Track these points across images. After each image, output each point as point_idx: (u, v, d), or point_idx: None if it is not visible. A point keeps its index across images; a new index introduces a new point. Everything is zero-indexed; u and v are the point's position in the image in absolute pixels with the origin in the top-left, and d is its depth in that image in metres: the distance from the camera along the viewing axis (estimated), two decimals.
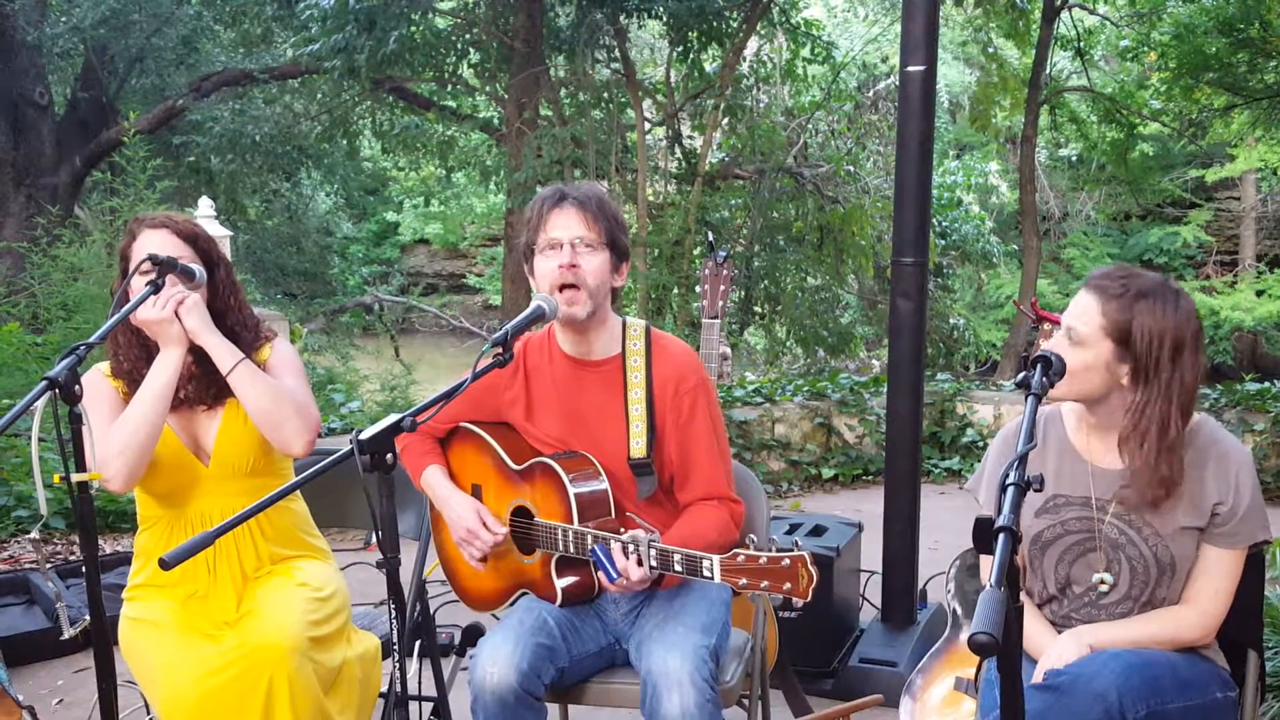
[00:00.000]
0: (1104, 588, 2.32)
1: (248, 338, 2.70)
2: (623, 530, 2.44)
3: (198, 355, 2.63)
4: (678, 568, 2.32)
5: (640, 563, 2.36)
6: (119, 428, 2.52)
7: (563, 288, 2.51)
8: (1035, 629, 2.37)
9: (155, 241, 2.60)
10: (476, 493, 2.73)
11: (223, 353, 2.59)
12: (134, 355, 2.64)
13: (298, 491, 2.82)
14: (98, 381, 2.65)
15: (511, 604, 2.71)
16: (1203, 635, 2.31)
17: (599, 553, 2.40)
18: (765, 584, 2.18)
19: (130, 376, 2.63)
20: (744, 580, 2.20)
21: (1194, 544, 2.29)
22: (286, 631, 2.46)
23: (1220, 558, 2.29)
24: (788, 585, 2.16)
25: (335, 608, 2.63)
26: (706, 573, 2.26)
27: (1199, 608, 2.29)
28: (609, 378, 2.62)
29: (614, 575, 2.39)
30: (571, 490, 2.51)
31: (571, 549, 2.50)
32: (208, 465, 2.64)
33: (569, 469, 2.54)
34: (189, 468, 2.63)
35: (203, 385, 2.65)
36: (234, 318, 2.70)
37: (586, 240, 2.52)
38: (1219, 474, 2.27)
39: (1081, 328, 2.24)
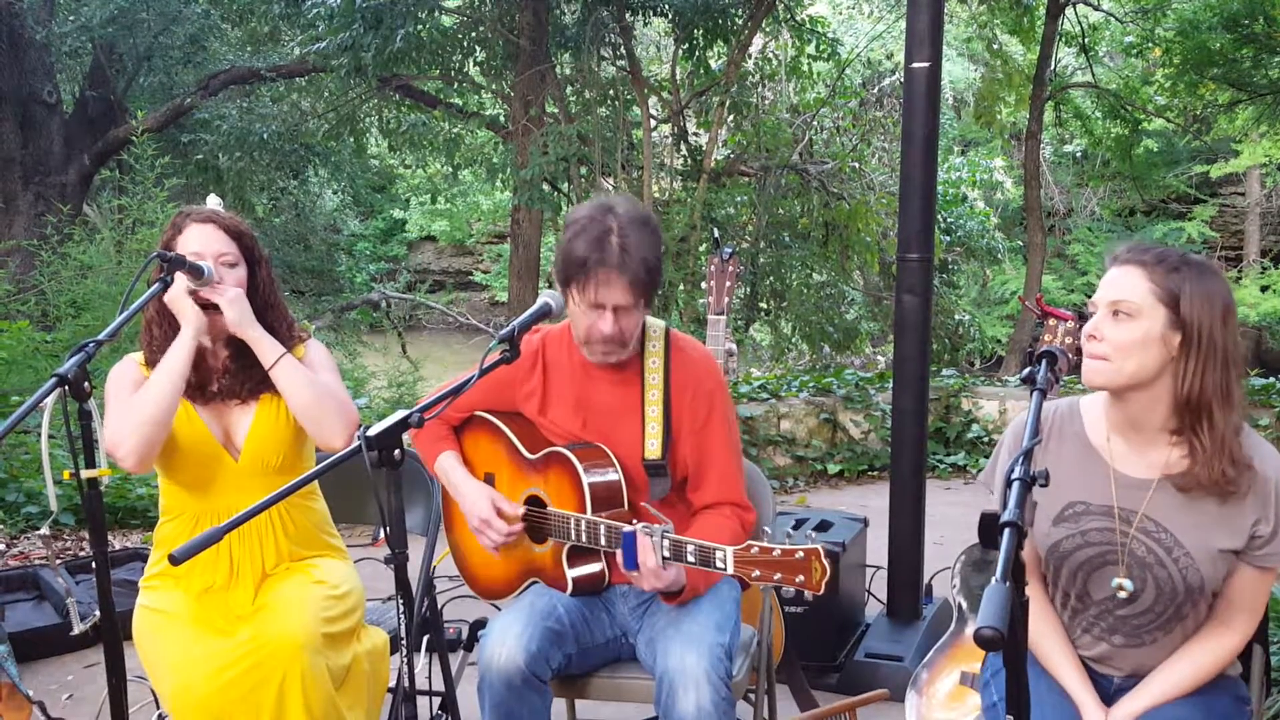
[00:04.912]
0: (1122, 594, 2.19)
1: (284, 334, 2.71)
2: (635, 521, 2.45)
3: (235, 350, 2.65)
4: (690, 558, 2.34)
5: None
6: (132, 404, 2.52)
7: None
8: (1080, 693, 2.23)
9: (202, 235, 2.61)
10: (490, 481, 2.74)
11: (266, 346, 2.60)
12: (169, 348, 2.60)
13: (319, 491, 2.84)
14: (129, 368, 2.65)
15: (521, 593, 2.72)
16: (1238, 653, 2.23)
17: (629, 539, 2.39)
18: (778, 576, 2.19)
19: None
20: (757, 572, 2.21)
21: (1226, 566, 2.16)
22: (301, 627, 2.46)
23: (1259, 580, 2.17)
24: (800, 578, 2.17)
25: (350, 606, 2.63)
26: (720, 563, 2.27)
27: (1238, 630, 2.20)
28: (627, 378, 2.63)
29: (632, 564, 2.39)
30: (586, 480, 2.52)
31: (585, 538, 2.52)
32: (237, 460, 2.64)
33: (583, 459, 2.56)
34: (217, 460, 2.63)
35: (238, 380, 2.65)
36: (273, 315, 2.71)
37: (628, 304, 2.49)
38: (1257, 488, 2.13)
39: (1132, 297, 2.08)
